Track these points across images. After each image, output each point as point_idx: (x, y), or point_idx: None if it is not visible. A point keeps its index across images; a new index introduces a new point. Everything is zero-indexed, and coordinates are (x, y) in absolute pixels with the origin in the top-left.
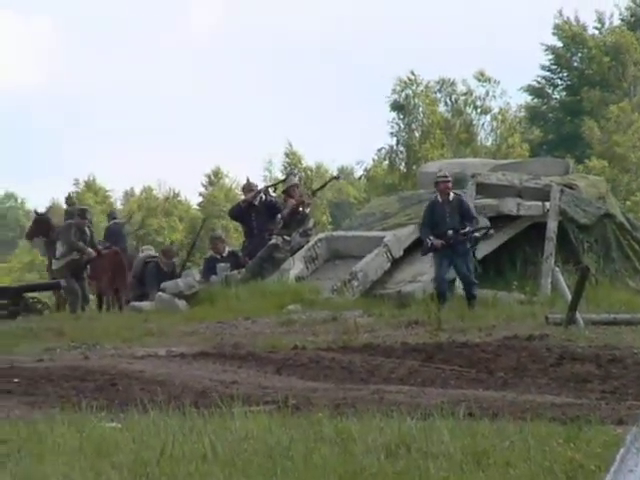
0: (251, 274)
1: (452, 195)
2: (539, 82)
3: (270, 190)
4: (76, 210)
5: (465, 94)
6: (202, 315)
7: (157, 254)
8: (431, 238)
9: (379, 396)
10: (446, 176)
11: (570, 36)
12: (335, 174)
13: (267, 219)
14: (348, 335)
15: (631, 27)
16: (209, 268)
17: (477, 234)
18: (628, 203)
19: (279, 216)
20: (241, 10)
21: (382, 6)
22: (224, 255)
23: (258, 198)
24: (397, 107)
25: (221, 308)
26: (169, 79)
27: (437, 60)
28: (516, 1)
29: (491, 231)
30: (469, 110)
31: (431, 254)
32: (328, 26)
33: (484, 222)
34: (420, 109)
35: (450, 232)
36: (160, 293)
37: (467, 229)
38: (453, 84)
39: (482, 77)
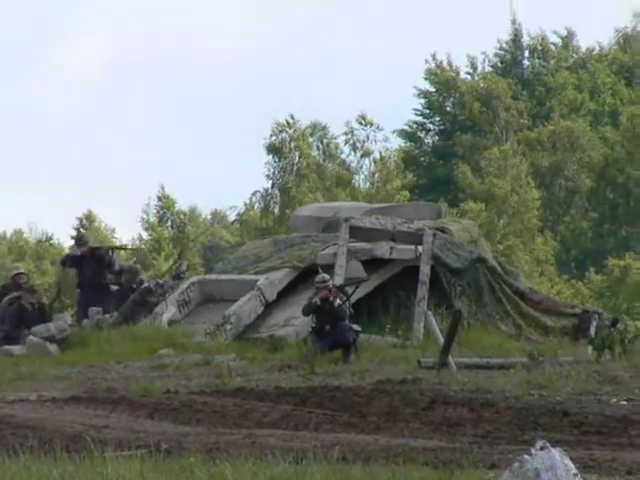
0: (123, 318)
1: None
2: (411, 127)
3: (110, 251)
4: None
5: (346, 134)
6: (74, 359)
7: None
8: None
9: (252, 440)
10: (325, 281)
11: (442, 81)
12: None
13: (99, 272)
14: (221, 379)
15: (501, 73)
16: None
17: (349, 289)
18: (500, 247)
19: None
20: (120, 52)
21: (262, 48)
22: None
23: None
24: (273, 150)
25: (93, 352)
26: (41, 117)
27: (316, 104)
28: (390, 45)
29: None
30: (347, 152)
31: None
32: (205, 68)
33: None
34: (296, 153)
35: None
36: (31, 337)
37: (339, 285)
38: (325, 128)
39: (364, 121)
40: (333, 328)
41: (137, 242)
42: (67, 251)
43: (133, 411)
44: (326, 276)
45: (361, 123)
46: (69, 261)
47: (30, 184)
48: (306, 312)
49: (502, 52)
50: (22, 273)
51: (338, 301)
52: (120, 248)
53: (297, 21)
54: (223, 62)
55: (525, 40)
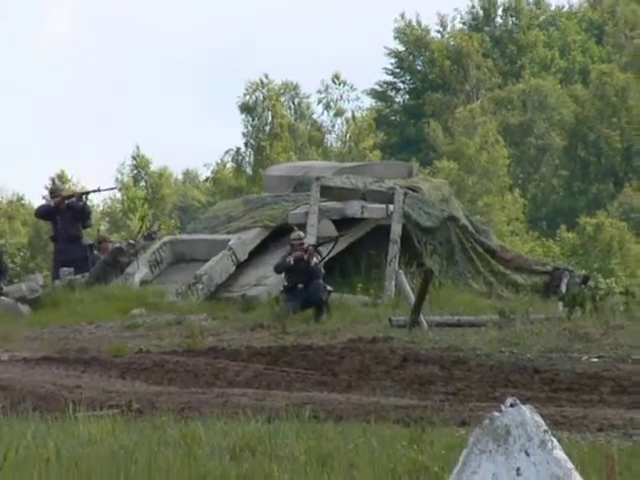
0: (95, 278)
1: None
2: (382, 86)
3: (84, 197)
4: None
5: (320, 93)
6: (45, 320)
7: None
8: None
9: (224, 399)
10: (300, 238)
11: (412, 40)
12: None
13: (72, 223)
14: (193, 339)
15: (473, 30)
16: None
17: (324, 248)
18: (480, 204)
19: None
20: (94, 15)
21: (237, 9)
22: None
23: (65, 202)
24: (246, 109)
25: (65, 313)
26: (10, 76)
27: (289, 63)
28: (362, 3)
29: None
30: (320, 111)
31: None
32: (179, 29)
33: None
34: (269, 112)
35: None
36: (2, 297)
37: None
38: (297, 87)
39: (337, 80)
40: (306, 287)
41: (111, 202)
42: None
43: (105, 371)
44: (301, 233)
45: (335, 82)
46: (41, 212)
47: (0, 145)
48: (278, 270)
49: (475, 10)
50: None
51: (315, 260)
52: (94, 192)
53: None
54: (196, 23)
55: None
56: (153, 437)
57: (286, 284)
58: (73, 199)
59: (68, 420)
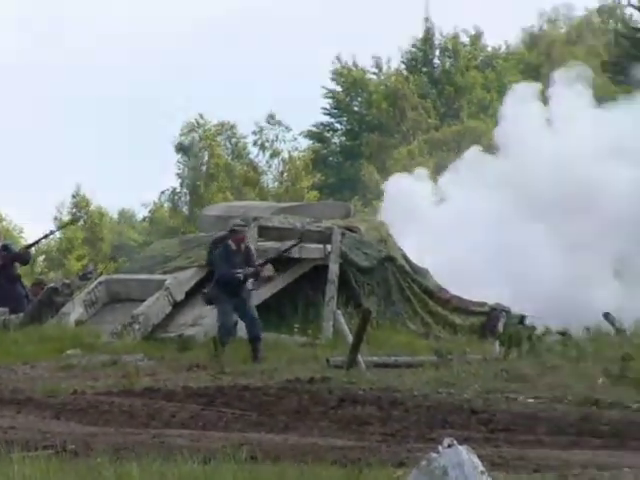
0: (30, 318)
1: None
2: (319, 127)
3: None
4: None
5: (255, 134)
6: None
7: None
8: (239, 271)
9: (160, 440)
10: (244, 225)
11: (349, 81)
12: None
13: (11, 263)
14: (128, 379)
15: (410, 71)
16: None
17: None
18: None
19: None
20: (27, 56)
21: (170, 47)
22: None
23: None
24: (182, 149)
25: None
26: None
27: (225, 103)
28: (299, 46)
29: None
30: (256, 152)
31: (213, 305)
32: (117, 69)
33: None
34: (206, 152)
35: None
36: None
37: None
38: (233, 127)
39: (272, 120)
40: (236, 296)
41: (48, 241)
42: None
43: (40, 412)
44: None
45: (270, 123)
46: None
47: None
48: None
49: (413, 50)
50: None
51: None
52: (33, 245)
53: (204, 22)
54: (134, 62)
55: (437, 39)
56: (88, 478)
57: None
58: (20, 257)
59: (2, 461)
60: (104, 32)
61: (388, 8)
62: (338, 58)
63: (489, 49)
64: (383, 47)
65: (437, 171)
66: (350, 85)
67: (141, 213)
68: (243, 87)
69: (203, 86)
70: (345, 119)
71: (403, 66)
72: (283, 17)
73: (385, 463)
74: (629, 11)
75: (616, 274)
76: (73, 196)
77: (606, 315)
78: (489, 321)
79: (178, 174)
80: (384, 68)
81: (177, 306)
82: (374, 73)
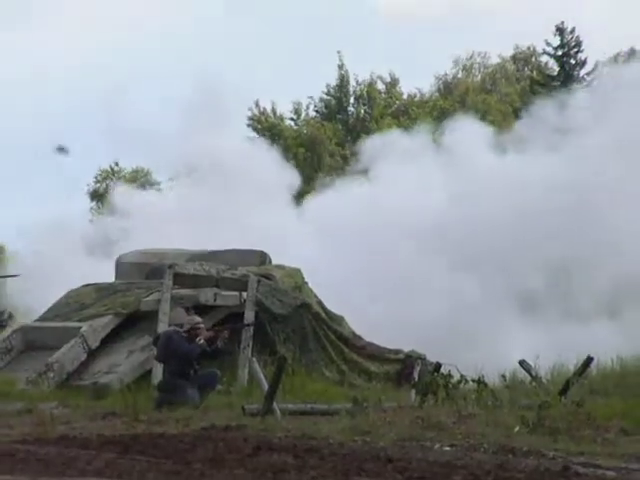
0: None
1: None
2: None
3: None
4: None
5: (172, 180)
6: None
7: None
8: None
9: None
10: (201, 322)
11: (266, 127)
12: None
13: None
14: (43, 427)
15: (325, 118)
16: None
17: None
18: None
19: None
20: None
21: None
22: None
23: None
24: (97, 196)
25: None
26: None
27: (141, 150)
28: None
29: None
30: None
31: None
32: (33, 111)
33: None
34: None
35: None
36: None
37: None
38: (148, 174)
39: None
40: (195, 371)
41: None
42: None
43: None
44: (197, 317)
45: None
46: None
47: None
48: (198, 358)
49: (328, 98)
50: None
51: (219, 343)
52: None
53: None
54: (41, 111)
55: (352, 86)
56: None
57: (177, 370)
58: None
59: None
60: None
61: (304, 55)
62: (256, 103)
63: (404, 96)
64: (299, 94)
65: None
66: (267, 131)
67: None
68: (158, 133)
69: (120, 132)
70: None
71: (317, 114)
72: (201, 62)
73: None
74: (544, 59)
75: (530, 322)
76: None
77: (522, 362)
78: (405, 369)
79: (90, 220)
80: (302, 115)
81: (92, 354)
82: (292, 119)
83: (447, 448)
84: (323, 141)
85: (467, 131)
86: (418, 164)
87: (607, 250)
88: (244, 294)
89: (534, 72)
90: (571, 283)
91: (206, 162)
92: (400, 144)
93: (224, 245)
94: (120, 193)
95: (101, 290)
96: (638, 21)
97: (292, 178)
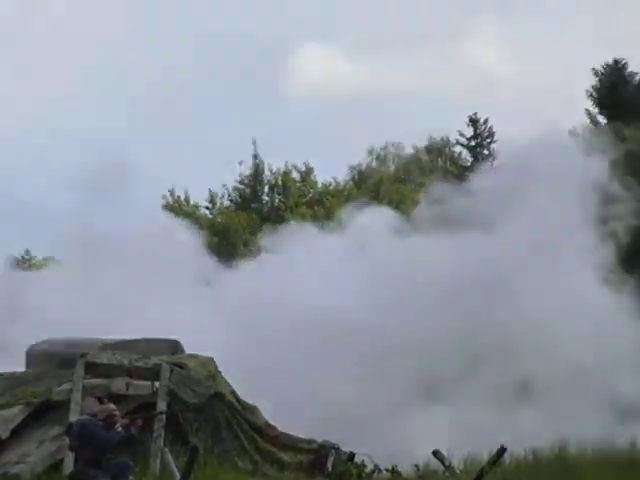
0: None
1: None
2: None
3: None
4: None
5: None
6: None
7: None
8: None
9: None
10: (115, 409)
11: (181, 215)
12: None
13: None
14: None
15: (240, 207)
16: None
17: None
18: None
19: None
20: None
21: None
22: None
23: None
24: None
25: None
26: None
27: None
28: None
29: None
30: None
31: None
32: None
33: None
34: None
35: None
36: None
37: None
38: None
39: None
40: (109, 461)
41: None
42: None
43: None
44: (112, 405)
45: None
46: None
47: None
48: (116, 445)
49: (242, 187)
50: None
51: (134, 430)
52: None
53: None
54: None
55: (266, 175)
56: None
57: (91, 459)
58: None
59: None
60: None
61: (220, 144)
62: (171, 192)
63: (319, 185)
64: (213, 182)
65: None
66: (181, 220)
67: None
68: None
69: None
70: None
71: (232, 203)
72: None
73: None
74: (457, 149)
75: (441, 410)
76: None
77: (435, 452)
78: (318, 458)
79: None
80: (217, 204)
81: (2, 444)
82: (207, 207)
83: None
84: (237, 230)
85: (373, 218)
86: (326, 252)
87: (519, 336)
88: (157, 383)
89: (447, 163)
90: (483, 370)
91: (111, 243)
92: (308, 233)
93: (133, 333)
94: None
95: (12, 379)
96: (548, 109)
97: (205, 265)
